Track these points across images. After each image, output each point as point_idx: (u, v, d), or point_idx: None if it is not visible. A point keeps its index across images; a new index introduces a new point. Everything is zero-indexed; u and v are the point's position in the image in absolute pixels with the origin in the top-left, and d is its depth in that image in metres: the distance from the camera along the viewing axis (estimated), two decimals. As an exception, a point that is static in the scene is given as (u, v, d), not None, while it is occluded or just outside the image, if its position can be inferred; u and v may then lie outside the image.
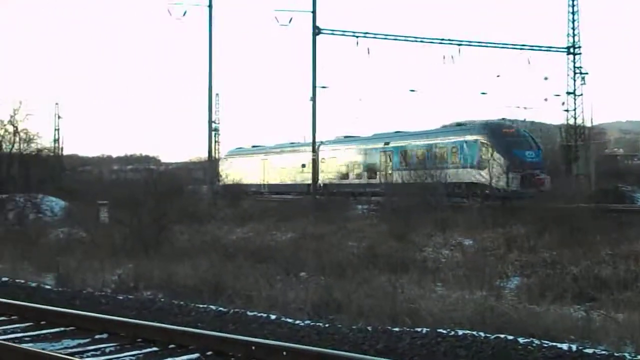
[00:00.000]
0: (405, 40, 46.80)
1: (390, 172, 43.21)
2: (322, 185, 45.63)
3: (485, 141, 38.27)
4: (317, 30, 43.00)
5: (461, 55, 45.53)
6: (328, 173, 48.09)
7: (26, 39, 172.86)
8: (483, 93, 50.01)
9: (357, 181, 46.91)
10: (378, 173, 45.14)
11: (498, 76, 49.39)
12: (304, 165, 48.89)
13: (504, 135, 38.60)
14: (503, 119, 47.34)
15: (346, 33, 44.85)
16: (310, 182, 44.25)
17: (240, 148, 63.37)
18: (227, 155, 62.76)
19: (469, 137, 39.48)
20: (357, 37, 44.69)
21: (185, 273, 16.65)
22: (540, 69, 71.34)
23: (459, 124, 44.46)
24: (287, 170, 52.65)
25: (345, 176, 48.11)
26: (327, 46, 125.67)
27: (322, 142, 49.38)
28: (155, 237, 21.73)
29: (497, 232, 24.25)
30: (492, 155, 37.07)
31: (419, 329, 10.88)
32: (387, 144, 45.43)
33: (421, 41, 46.78)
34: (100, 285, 16.76)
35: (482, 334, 10.40)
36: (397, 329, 11.02)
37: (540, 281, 15.89)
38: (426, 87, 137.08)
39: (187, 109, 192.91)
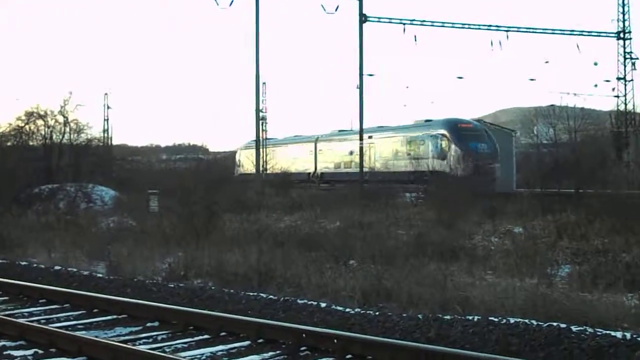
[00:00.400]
0: (452, 27, 46.56)
1: (373, 162, 47.57)
2: (319, 174, 50.43)
3: (445, 135, 43.17)
4: (363, 18, 42.96)
5: (509, 41, 45.23)
6: (324, 163, 52.39)
7: (76, 30, 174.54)
8: (532, 79, 49.70)
9: (346, 170, 50.41)
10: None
11: (547, 62, 49.30)
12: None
13: (461, 130, 43.49)
14: (552, 105, 46.95)
15: (393, 20, 44.75)
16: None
17: (253, 141, 63.65)
18: (243, 147, 63.66)
19: (433, 132, 44.14)
20: (404, 24, 44.59)
21: (235, 261, 16.70)
22: (590, 55, 70.62)
23: (427, 120, 46.71)
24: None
25: (338, 166, 51.74)
26: (373, 34, 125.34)
27: (318, 137, 54.91)
28: (204, 225, 21.80)
29: (547, 219, 24.00)
30: (450, 147, 42.44)
31: (470, 317, 10.84)
32: (370, 137, 47.86)
33: (468, 27, 46.53)
34: (151, 274, 16.90)
35: (534, 322, 10.32)
36: (448, 317, 10.98)
37: (592, 269, 15.67)
38: (474, 74, 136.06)
39: (235, 98, 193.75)
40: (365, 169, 45.60)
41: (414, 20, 44.74)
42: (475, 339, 9.88)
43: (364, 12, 42.82)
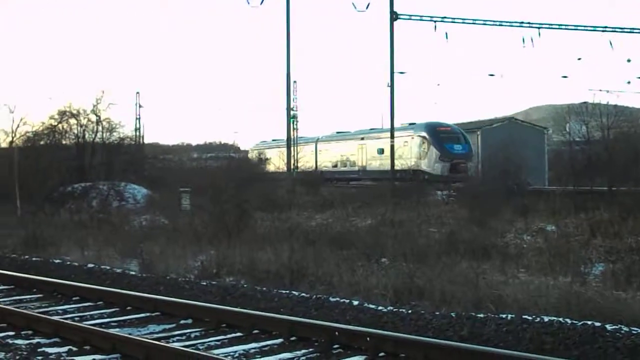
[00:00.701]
0: (483, 24, 46.32)
1: (365, 161, 52.13)
2: (319, 172, 52.74)
3: (425, 137, 47.42)
4: (394, 16, 42.84)
5: (541, 38, 44.90)
6: (324, 162, 55.90)
7: (109, 30, 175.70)
8: (564, 77, 49.38)
9: (343, 169, 55.04)
10: (357, 162, 53.80)
11: (579, 59, 48.82)
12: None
13: (439, 133, 47.44)
14: (584, 102, 46.59)
15: (424, 18, 44.58)
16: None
17: (264, 141, 70.67)
18: (255, 147, 69.47)
19: (415, 134, 48.46)
20: (435, 21, 44.39)
21: (267, 259, 16.75)
22: (623, 51, 70.00)
23: (411, 124, 50.39)
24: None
25: (335, 165, 55.86)
26: (404, 31, 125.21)
27: (318, 138, 59.34)
28: (236, 223, 21.88)
29: (580, 217, 23.85)
30: (429, 148, 46.94)
31: (504, 315, 10.78)
32: (362, 139, 53.29)
33: (500, 25, 46.26)
34: (183, 272, 16.97)
35: (568, 320, 10.25)
36: (481, 315, 10.93)
37: (625, 267, 15.53)
38: (505, 72, 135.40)
39: (265, 96, 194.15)
40: (358, 168, 50.12)
41: (445, 17, 44.55)
42: (509, 338, 9.83)
43: (395, 9, 42.72)
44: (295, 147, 53.93)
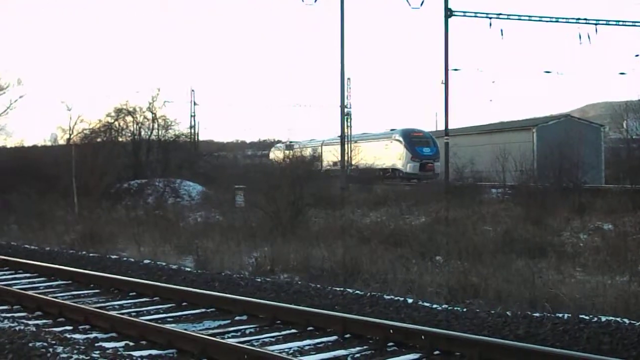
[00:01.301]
0: (539, 20, 45.75)
1: (359, 160, 55.58)
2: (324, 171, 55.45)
3: (400, 141, 54.39)
4: (449, 13, 42.53)
5: (598, 34, 44.28)
6: (325, 162, 58.39)
7: (164, 28, 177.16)
8: (621, 73, 48.52)
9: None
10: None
11: (637, 55, 47.83)
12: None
13: (411, 137, 54.52)
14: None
15: (478, 14, 44.15)
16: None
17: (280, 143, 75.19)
18: (276, 148, 72.97)
19: (393, 139, 55.72)
20: (490, 18, 43.92)
21: (321, 256, 16.77)
22: (682, 48, 68.81)
23: (392, 130, 57.76)
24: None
25: (336, 164, 56.67)
26: (459, 28, 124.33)
27: (323, 141, 64.04)
28: (290, 220, 21.94)
29: (638, 216, 23.51)
30: (403, 150, 53.78)
31: (560, 315, 10.67)
32: (356, 142, 58.25)
33: (556, 21, 45.65)
34: (238, 268, 17.06)
35: (626, 320, 10.12)
36: (537, 314, 10.83)
37: (685, 266, 15.31)
38: (562, 68, 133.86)
39: (319, 93, 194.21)
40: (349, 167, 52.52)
41: (500, 14, 44.07)
42: (566, 338, 9.72)
43: (449, 6, 42.41)
44: (350, 145, 54.34)
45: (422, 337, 9.62)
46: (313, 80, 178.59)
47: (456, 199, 30.96)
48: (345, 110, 49.57)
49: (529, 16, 45.26)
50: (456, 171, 40.03)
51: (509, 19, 44.26)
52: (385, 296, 12.70)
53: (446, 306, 11.88)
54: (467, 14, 43.73)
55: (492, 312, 11.30)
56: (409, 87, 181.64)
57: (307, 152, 59.59)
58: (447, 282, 13.63)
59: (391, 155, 55.43)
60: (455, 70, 43.85)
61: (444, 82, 42.48)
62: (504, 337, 9.81)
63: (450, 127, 44.46)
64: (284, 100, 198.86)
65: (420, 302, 12.12)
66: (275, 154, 66.85)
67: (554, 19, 45.57)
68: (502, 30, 43.68)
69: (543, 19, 45.58)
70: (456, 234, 19.71)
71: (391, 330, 10.02)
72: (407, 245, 18.22)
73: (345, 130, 50.66)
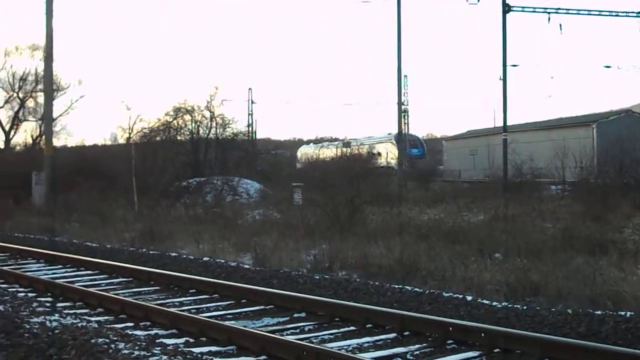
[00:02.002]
0: (599, 14, 45.15)
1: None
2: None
3: (393, 143, 60.26)
4: (507, 8, 42.18)
5: (660, 28, 43.50)
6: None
7: (221, 27, 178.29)
8: (684, 67, 47.61)
9: None
10: None
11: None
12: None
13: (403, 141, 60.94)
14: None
15: (537, 9, 43.73)
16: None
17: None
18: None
19: (389, 142, 63.69)
20: (549, 13, 43.49)
21: (378, 253, 16.76)
22: None
23: (388, 134, 65.51)
24: None
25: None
26: (517, 23, 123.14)
27: (322, 145, 72.51)
28: (348, 217, 21.95)
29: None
30: (395, 151, 57.35)
31: (622, 313, 10.53)
32: (347, 145, 65.93)
33: (616, 15, 45.00)
34: (296, 265, 17.10)
35: (691, 318, 9.95)
36: (598, 312, 10.69)
37: None
38: (622, 63, 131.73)
39: (376, 91, 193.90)
40: None
41: (559, 9, 43.59)
42: (629, 336, 9.58)
43: (507, 1, 42.05)
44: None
45: (482, 334, 9.56)
46: (370, 78, 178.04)
47: (515, 195, 30.70)
48: (402, 107, 49.46)
49: (588, 10, 44.69)
50: (515, 168, 39.70)
51: (568, 13, 43.77)
52: (444, 293, 12.65)
53: (506, 304, 11.79)
54: (525, 9, 43.31)
55: (553, 309, 11.19)
56: (466, 84, 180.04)
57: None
58: (507, 279, 13.51)
59: (387, 156, 63.62)
60: (514, 66, 43.45)
61: (502, 78, 42.16)
62: (565, 335, 9.71)
63: (508, 123, 44.17)
64: (341, 97, 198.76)
65: (479, 300, 12.05)
66: (305, 152, 73.46)
67: (613, 13, 44.94)
68: (560, 25, 43.22)
69: (602, 13, 44.98)
70: (515, 231, 19.53)
71: (451, 328, 9.98)
72: (465, 242, 18.10)
73: (403, 127, 50.58)
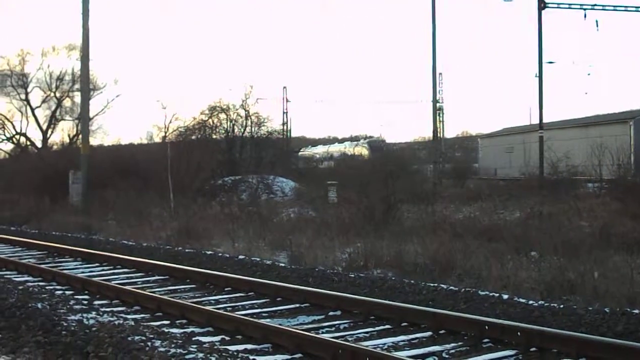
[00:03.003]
0: (636, 10, 44.87)
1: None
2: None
3: (366, 146, 72.41)
4: (542, 4, 41.97)
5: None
6: None
7: (256, 26, 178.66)
8: None
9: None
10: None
11: None
12: None
13: (373, 144, 73.06)
14: None
15: (572, 6, 43.49)
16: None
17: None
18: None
19: (364, 145, 74.46)
20: (585, 9, 43.24)
21: (414, 251, 16.72)
22: None
23: (364, 139, 78.90)
24: None
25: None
26: (553, 20, 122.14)
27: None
28: (383, 216, 21.91)
29: None
30: (368, 153, 67.01)
31: (661, 312, 10.43)
32: (345, 147, 75.96)
33: (653, 11, 44.65)
34: (331, 263, 17.12)
35: None
36: (636, 311, 10.61)
37: None
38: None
39: (411, 89, 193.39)
40: None
41: (595, 5, 43.34)
42: (666, 335, 9.50)
43: (543, -2, 41.85)
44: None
45: (518, 333, 9.52)
46: (405, 76, 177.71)
47: (551, 193, 30.49)
48: (438, 105, 49.32)
49: (625, 7, 44.56)
50: (550, 165, 39.42)
51: (604, 9, 43.54)
52: (479, 292, 12.61)
53: (542, 302, 11.73)
54: (561, 5, 43.14)
55: (590, 308, 11.12)
56: (502, 81, 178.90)
57: None
58: (543, 278, 13.44)
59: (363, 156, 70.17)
60: (550, 63, 43.42)
61: (537, 75, 42.02)
62: (602, 334, 9.64)
63: (544, 120, 43.94)
64: (376, 95, 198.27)
65: (515, 298, 12.00)
66: (302, 154, 77.92)
67: (651, 9, 44.56)
68: (597, 21, 42.97)
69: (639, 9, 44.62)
70: (552, 229, 19.38)
71: (487, 327, 9.94)
72: (501, 240, 18.00)
73: (437, 125, 50.46)
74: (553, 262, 14.55)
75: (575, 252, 15.64)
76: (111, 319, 10.55)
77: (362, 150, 73.05)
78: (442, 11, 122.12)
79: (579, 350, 8.83)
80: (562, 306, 11.32)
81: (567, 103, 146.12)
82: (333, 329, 10.92)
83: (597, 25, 42.94)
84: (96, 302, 13.12)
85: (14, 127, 62.42)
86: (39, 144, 62.41)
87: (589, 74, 68.49)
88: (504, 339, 9.64)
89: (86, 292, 14.49)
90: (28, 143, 62.69)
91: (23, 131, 62.57)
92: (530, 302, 11.73)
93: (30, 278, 16.48)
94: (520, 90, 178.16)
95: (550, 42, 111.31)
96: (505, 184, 40.32)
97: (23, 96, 61.85)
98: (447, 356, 9.33)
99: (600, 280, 12.97)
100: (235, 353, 8.74)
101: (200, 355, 8.37)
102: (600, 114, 58.60)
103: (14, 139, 62.67)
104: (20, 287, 13.39)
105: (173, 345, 8.79)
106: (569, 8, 43.40)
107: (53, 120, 62.69)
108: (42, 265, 18.09)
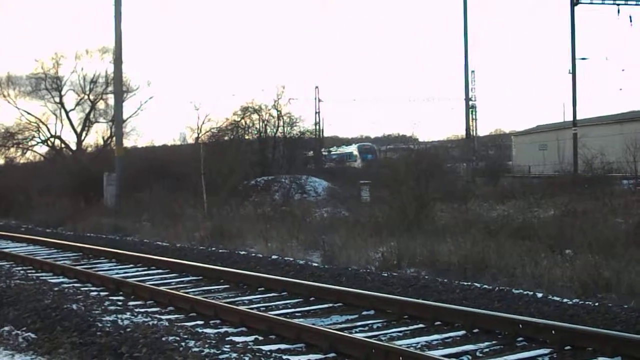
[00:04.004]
0: (671, 5, 44.36)
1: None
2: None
3: (356, 152, 78.31)
4: (575, 0, 41.69)
5: None
6: None
7: (288, 26, 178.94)
8: None
9: None
10: None
11: None
12: None
13: (362, 148, 79.80)
14: None
15: (606, 2, 43.16)
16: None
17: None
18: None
19: (354, 149, 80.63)
20: (618, 5, 42.89)
21: (447, 250, 16.65)
22: None
23: (356, 144, 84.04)
24: None
25: None
26: (586, 16, 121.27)
27: None
28: (416, 215, 21.84)
29: None
30: (358, 157, 75.04)
31: (699, 310, 10.31)
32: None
33: (689, 5, 44.17)
34: (364, 263, 17.10)
35: None
36: (673, 310, 10.51)
37: None
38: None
39: (443, 87, 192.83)
40: None
41: (628, 0, 42.97)
42: None
43: (576, -6, 41.58)
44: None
45: (553, 332, 9.46)
46: (437, 74, 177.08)
47: (585, 191, 30.25)
48: (470, 103, 49.17)
49: (660, 1, 43.92)
50: (585, 162, 39.15)
51: (638, 4, 43.11)
52: (513, 290, 12.54)
53: (577, 300, 11.65)
54: (594, 1, 42.81)
55: (625, 306, 11.04)
56: (535, 78, 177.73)
57: None
58: (578, 275, 13.33)
59: (356, 159, 75.17)
60: (583, 59, 43.09)
61: (571, 71, 41.74)
62: (638, 333, 9.55)
63: (578, 117, 43.65)
64: (408, 94, 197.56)
65: (550, 297, 11.92)
66: None
67: (687, 3, 44.10)
68: (630, 17, 42.60)
69: (675, 3, 44.17)
70: (586, 227, 19.23)
71: (521, 325, 9.90)
72: (535, 238, 17.88)
73: (471, 123, 50.27)
74: (588, 260, 14.42)
75: (611, 250, 15.51)
76: (145, 319, 10.61)
77: (355, 153, 78.54)
78: (473, 8, 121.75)
79: (615, 348, 8.76)
80: (597, 304, 11.24)
81: (601, 99, 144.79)
82: (366, 328, 10.91)
83: (630, 21, 42.58)
84: (130, 303, 13.20)
85: (48, 129, 62.85)
86: (73, 147, 62.86)
87: (623, 70, 67.90)
88: (539, 337, 9.59)
89: (120, 293, 14.59)
90: (63, 146, 63.14)
91: (58, 134, 62.99)
92: (565, 300, 11.65)
93: (65, 279, 16.65)
94: (553, 87, 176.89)
95: (584, 38, 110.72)
96: (539, 182, 40.07)
97: (57, 99, 62.28)
98: (480, 355, 9.30)
99: (636, 278, 12.85)
100: (268, 353, 8.76)
101: (234, 355, 8.40)
102: (636, 110, 58.08)
103: (48, 142, 63.12)
104: (56, 289, 13.50)
105: (207, 346, 8.82)
106: (602, 4, 43.09)
107: (87, 123, 63.10)
108: (77, 267, 18.26)
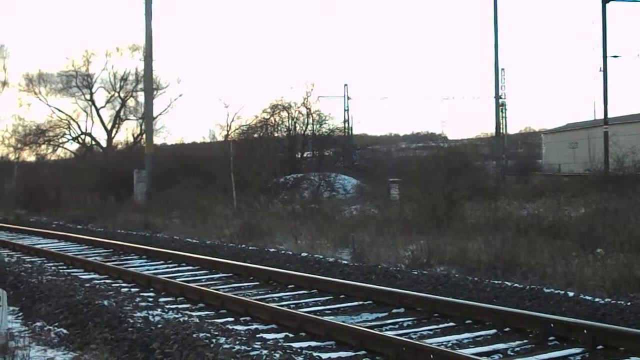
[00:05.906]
0: None
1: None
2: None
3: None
4: (607, -2, 41.34)
5: None
6: None
7: (318, 23, 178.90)
8: None
9: None
10: None
11: None
12: None
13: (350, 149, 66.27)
14: None
15: (639, -2, 42.80)
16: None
17: None
18: None
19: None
20: (651, 2, 42.52)
21: (477, 248, 16.60)
22: None
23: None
24: None
25: None
26: (617, 13, 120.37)
27: None
28: (446, 212, 21.78)
29: None
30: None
31: None
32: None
33: None
34: (394, 261, 17.08)
35: None
36: None
37: None
38: None
39: (473, 85, 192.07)
40: None
41: (662, -4, 42.62)
42: None
43: (608, -9, 41.25)
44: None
45: (585, 331, 9.39)
46: (467, 72, 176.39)
47: (617, 189, 30.02)
48: (500, 101, 48.96)
49: (694, -3, 43.51)
50: (616, 161, 38.85)
51: (672, 1, 42.70)
52: (544, 289, 12.47)
53: (609, 300, 11.57)
54: (626, -2, 42.41)
55: (658, 306, 10.93)
56: (565, 76, 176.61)
57: None
58: (610, 275, 13.23)
59: None
60: (614, 57, 42.65)
61: (602, 69, 41.39)
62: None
63: (609, 115, 43.27)
64: (438, 92, 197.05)
65: (581, 296, 11.84)
66: None
67: None
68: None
69: None
70: (618, 226, 19.09)
71: (552, 324, 9.84)
72: (566, 237, 17.78)
73: (500, 121, 50.07)
74: (620, 259, 14.32)
75: (643, 249, 15.40)
76: (176, 316, 10.66)
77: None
78: (504, 5, 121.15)
79: (647, 348, 8.69)
80: (629, 303, 11.15)
81: (633, 97, 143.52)
82: (396, 326, 10.90)
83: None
84: (161, 300, 13.27)
85: (79, 127, 63.41)
86: (103, 144, 63.36)
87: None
88: (570, 336, 9.53)
89: (151, 289, 14.67)
90: (93, 143, 63.65)
91: (88, 131, 63.54)
92: (597, 299, 11.57)
93: (96, 276, 16.76)
94: (584, 85, 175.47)
95: (615, 36, 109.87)
96: (570, 180, 39.84)
97: (88, 96, 62.82)
98: (512, 354, 9.26)
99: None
100: (299, 350, 8.77)
101: (265, 352, 8.42)
102: (668, 108, 57.58)
103: (79, 139, 63.65)
104: (87, 285, 13.60)
105: (237, 342, 8.85)
106: (634, 0, 42.73)
107: (117, 120, 63.59)
108: (108, 263, 18.37)
